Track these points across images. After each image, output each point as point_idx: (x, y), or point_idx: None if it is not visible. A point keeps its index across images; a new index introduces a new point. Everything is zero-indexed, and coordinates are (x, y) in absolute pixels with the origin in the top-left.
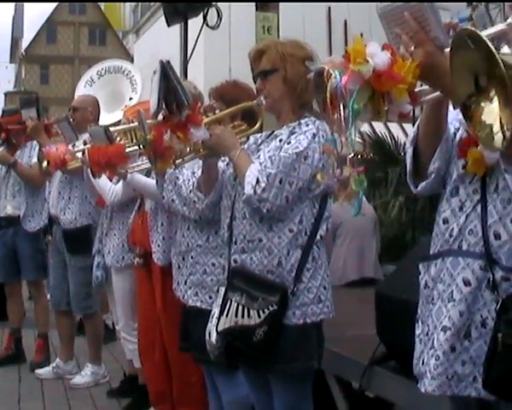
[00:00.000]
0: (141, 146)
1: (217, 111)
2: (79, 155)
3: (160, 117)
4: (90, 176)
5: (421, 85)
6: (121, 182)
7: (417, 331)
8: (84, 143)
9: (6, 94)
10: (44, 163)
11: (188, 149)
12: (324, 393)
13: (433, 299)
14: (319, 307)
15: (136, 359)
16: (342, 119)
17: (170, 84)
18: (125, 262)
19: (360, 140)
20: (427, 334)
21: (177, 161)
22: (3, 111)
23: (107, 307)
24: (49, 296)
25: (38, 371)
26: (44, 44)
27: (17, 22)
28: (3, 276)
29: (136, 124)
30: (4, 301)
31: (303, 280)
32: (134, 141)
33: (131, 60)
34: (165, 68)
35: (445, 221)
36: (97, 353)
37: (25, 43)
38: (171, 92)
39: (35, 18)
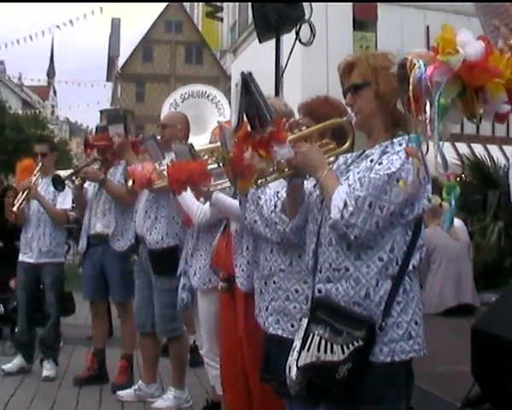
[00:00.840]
0: (220, 164)
1: (303, 128)
2: (166, 173)
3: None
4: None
5: None
6: None
7: None
8: (172, 162)
9: (101, 112)
10: (130, 182)
11: (271, 168)
12: None
13: None
14: (409, 344)
15: (219, 386)
16: (428, 118)
17: (252, 97)
18: (212, 284)
19: (458, 162)
20: None
21: (259, 181)
22: (97, 128)
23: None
24: None
25: (120, 392)
26: (140, 63)
27: (113, 41)
28: (91, 295)
29: None
30: None
31: (392, 314)
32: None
33: (229, 78)
34: (247, 81)
35: None
36: (181, 376)
37: (121, 61)
38: (253, 106)
39: (131, 37)
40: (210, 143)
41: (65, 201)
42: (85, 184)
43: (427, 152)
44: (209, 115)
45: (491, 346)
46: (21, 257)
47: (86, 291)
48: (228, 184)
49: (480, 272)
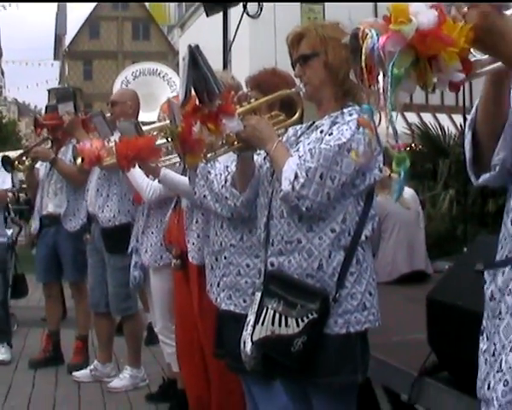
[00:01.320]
0: (169, 139)
1: (252, 100)
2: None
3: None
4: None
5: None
6: None
7: (482, 346)
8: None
9: (49, 91)
10: (78, 160)
11: (220, 141)
12: (372, 403)
13: (500, 313)
14: (364, 314)
15: (175, 363)
16: (381, 89)
17: (199, 71)
18: (163, 261)
19: (408, 131)
20: (494, 354)
21: (209, 155)
22: (46, 107)
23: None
24: None
25: (76, 373)
26: (87, 40)
27: (60, 19)
28: (44, 276)
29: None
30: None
31: (346, 285)
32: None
33: (176, 54)
34: (194, 54)
35: None
36: (136, 355)
37: (68, 39)
38: (200, 80)
39: (78, 14)
40: (158, 118)
41: (4, 181)
42: (37, 165)
43: (379, 123)
44: (161, 93)
45: (446, 315)
46: None
47: (39, 272)
48: (177, 159)
49: (432, 240)
